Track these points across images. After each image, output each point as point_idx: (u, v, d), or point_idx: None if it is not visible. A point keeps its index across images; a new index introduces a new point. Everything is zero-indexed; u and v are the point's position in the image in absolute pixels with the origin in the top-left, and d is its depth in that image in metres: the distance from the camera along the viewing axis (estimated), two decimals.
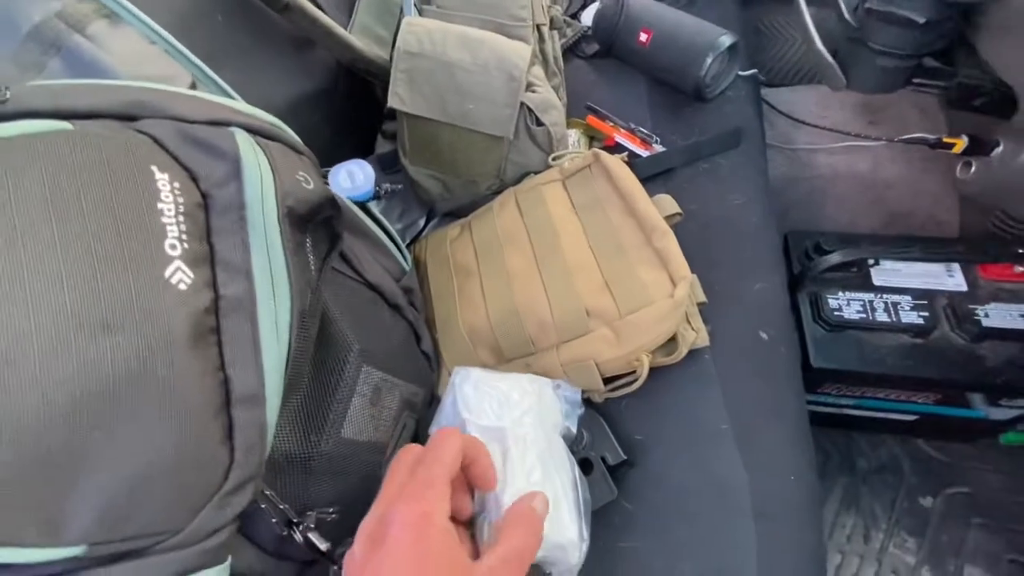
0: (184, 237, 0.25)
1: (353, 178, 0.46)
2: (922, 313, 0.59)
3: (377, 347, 0.37)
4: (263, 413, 0.26)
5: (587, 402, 0.44)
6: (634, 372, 0.41)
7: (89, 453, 0.21)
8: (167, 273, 0.24)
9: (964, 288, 0.61)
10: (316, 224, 0.32)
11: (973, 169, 0.71)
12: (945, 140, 0.68)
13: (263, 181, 0.28)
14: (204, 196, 0.27)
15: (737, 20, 0.71)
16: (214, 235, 0.26)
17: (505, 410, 0.37)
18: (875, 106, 0.88)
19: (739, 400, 0.42)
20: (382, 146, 0.63)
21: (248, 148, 0.28)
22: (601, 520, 0.38)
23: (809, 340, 0.60)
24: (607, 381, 0.42)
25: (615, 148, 0.58)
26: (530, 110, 0.51)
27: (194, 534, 0.24)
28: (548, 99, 0.52)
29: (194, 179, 0.26)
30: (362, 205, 0.43)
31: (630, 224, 0.46)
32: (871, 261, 0.63)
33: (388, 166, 0.60)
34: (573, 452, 0.40)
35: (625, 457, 0.40)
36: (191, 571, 0.24)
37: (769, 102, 0.88)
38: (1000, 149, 0.66)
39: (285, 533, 0.30)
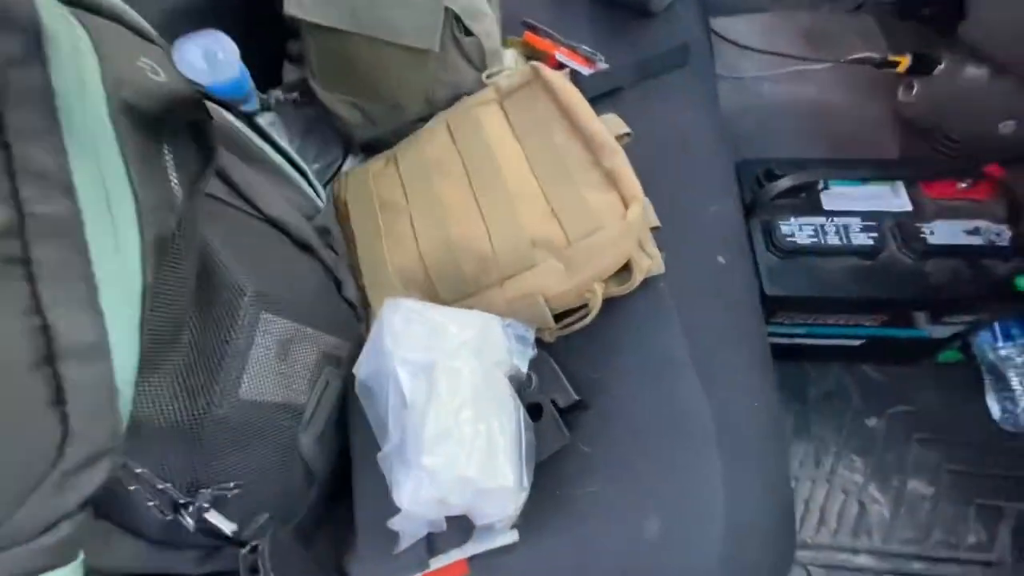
0: None
1: (210, 57, 0.33)
2: (871, 234, 0.58)
3: (280, 292, 0.31)
4: (108, 369, 0.20)
5: (536, 342, 0.40)
6: (586, 306, 0.37)
7: None
8: None
9: (909, 208, 0.60)
10: (177, 131, 0.25)
11: (915, 90, 0.71)
12: (891, 59, 0.67)
13: (80, 63, 0.21)
14: None
15: None
16: (10, 132, 0.19)
17: (437, 341, 0.32)
18: (818, 32, 0.86)
19: (698, 328, 0.39)
20: (290, 73, 0.54)
21: (59, 18, 0.21)
22: (557, 467, 0.34)
23: (762, 268, 0.58)
24: (558, 318, 0.38)
25: (557, 68, 0.52)
26: (457, 18, 0.44)
27: (21, 529, 0.18)
28: (476, 5, 0.45)
29: None
30: (258, 128, 0.36)
31: (576, 144, 0.41)
32: (820, 185, 0.61)
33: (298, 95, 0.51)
34: (521, 397, 0.36)
35: (577, 398, 0.36)
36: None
37: (716, 31, 0.84)
38: (942, 66, 0.66)
39: (171, 518, 0.25)
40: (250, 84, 0.41)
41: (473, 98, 0.46)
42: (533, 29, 0.55)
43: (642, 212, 0.37)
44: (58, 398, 0.19)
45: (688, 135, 0.50)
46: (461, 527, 0.32)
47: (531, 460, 0.31)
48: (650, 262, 0.38)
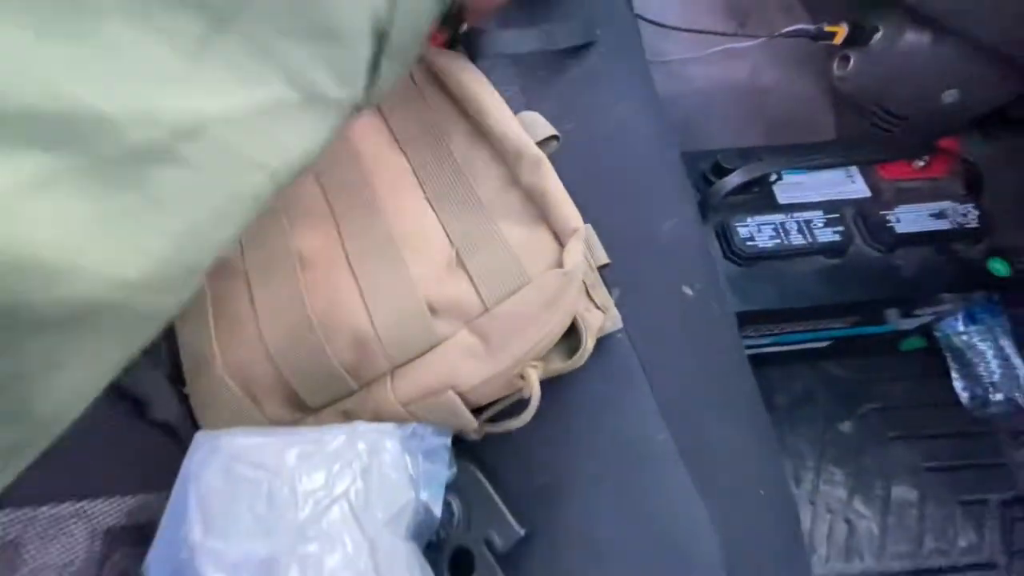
0: None
1: None
2: (836, 228, 0.51)
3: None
4: None
5: (457, 442, 0.28)
6: (519, 392, 0.26)
7: None
8: None
9: (868, 193, 0.54)
10: None
11: (851, 63, 0.65)
12: (827, 29, 0.60)
13: None
14: None
15: None
16: None
17: (283, 511, 0.19)
18: (743, 8, 0.80)
19: (676, 395, 0.28)
20: None
21: None
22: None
23: (722, 281, 0.49)
24: (477, 412, 0.26)
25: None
26: None
27: None
28: None
29: None
30: None
31: (482, 154, 0.29)
32: (773, 177, 0.53)
33: None
34: (440, 540, 0.24)
35: (522, 533, 0.24)
36: None
37: (636, 11, 0.76)
38: (879, 35, 0.60)
39: None
40: None
41: None
42: None
43: (583, 248, 0.26)
44: None
45: (625, 134, 0.39)
46: None
47: None
48: (603, 316, 0.27)
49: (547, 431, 0.27)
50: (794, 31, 0.61)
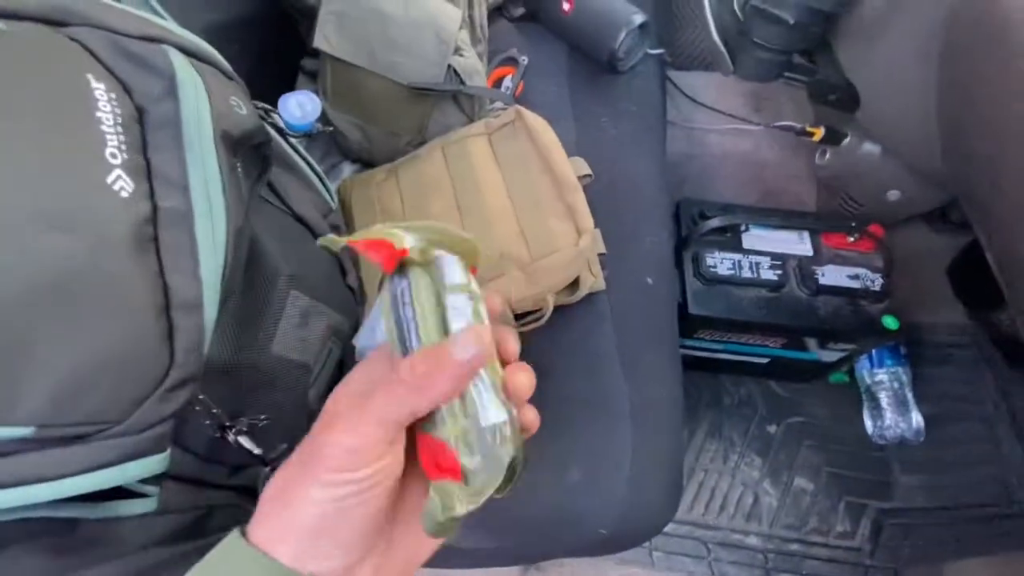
0: (123, 147, 0.26)
1: (303, 108, 0.48)
2: (777, 271, 0.71)
3: (305, 275, 0.40)
4: (201, 319, 0.28)
5: None
6: (540, 310, 0.47)
7: (39, 340, 0.22)
8: (109, 179, 0.25)
9: (810, 253, 0.74)
10: (247, 149, 0.34)
11: (828, 156, 0.85)
12: (808, 129, 0.81)
13: (199, 101, 0.29)
14: (139, 111, 0.27)
15: (652, 3, 0.78)
16: (150, 149, 0.27)
17: None
18: (761, 96, 1.01)
19: (625, 332, 0.50)
20: (303, 84, 0.62)
21: (184, 67, 0.29)
22: None
23: (689, 291, 0.70)
24: (517, 318, 0.48)
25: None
26: (457, 73, 0.54)
27: (136, 424, 0.27)
28: (474, 65, 0.55)
29: (128, 92, 0.27)
30: (290, 141, 0.44)
31: (546, 180, 0.51)
32: (743, 227, 0.74)
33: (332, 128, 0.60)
34: None
35: None
36: (133, 457, 0.27)
37: (676, 84, 0.97)
38: (848, 140, 0.80)
39: (218, 435, 0.33)
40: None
41: (466, 129, 0.56)
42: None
43: (592, 240, 0.48)
44: (169, 336, 0.27)
45: (637, 178, 0.61)
46: None
47: None
48: (594, 280, 0.49)
49: (547, 337, 0.49)
50: (783, 125, 0.81)
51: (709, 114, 0.95)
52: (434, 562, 0.30)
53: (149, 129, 0.28)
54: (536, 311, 0.48)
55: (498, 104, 0.59)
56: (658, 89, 0.72)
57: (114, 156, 0.25)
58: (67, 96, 0.24)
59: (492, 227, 0.49)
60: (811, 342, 0.75)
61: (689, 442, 0.84)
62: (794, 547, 0.78)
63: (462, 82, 0.54)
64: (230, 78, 0.34)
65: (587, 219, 0.48)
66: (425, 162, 0.54)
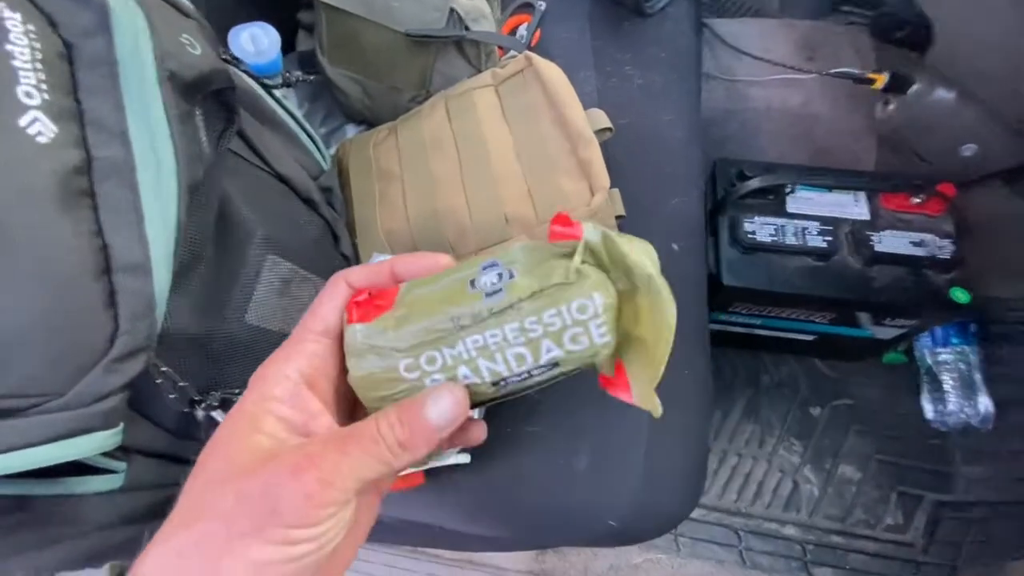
0: (43, 86, 0.23)
1: (256, 42, 0.42)
2: (827, 238, 0.63)
3: (286, 238, 0.37)
4: (149, 283, 0.25)
5: None
6: None
7: None
8: (22, 122, 0.22)
9: (867, 216, 0.66)
10: (207, 97, 0.30)
11: (891, 107, 0.75)
12: (869, 75, 0.71)
13: (137, 38, 0.26)
14: (67, 46, 0.24)
15: None
16: (81, 90, 0.24)
17: None
18: (814, 43, 0.89)
19: None
20: (304, 43, 0.58)
21: (122, 0, 0.26)
22: (510, 408, 0.40)
23: (723, 261, 0.63)
24: None
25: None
26: (460, 17, 0.48)
27: (79, 397, 0.24)
28: (480, 8, 0.49)
29: (53, 24, 0.24)
30: (274, 95, 0.41)
31: (558, 134, 0.46)
32: (788, 189, 0.66)
33: (308, 66, 0.56)
34: None
35: None
36: (78, 433, 0.24)
37: (716, 32, 0.88)
38: (916, 87, 0.70)
39: (187, 411, 0.31)
40: (281, 65, 0.47)
41: (471, 80, 0.51)
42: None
43: (606, 200, 0.43)
44: (111, 301, 0.24)
45: (665, 131, 0.54)
46: None
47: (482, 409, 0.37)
48: None
49: None
50: (839, 73, 0.71)
51: (752, 65, 0.85)
52: (442, 545, 0.27)
53: (79, 68, 0.24)
54: None
55: (512, 53, 0.54)
56: (691, 33, 0.64)
57: (29, 95, 0.22)
58: None
59: (497, 188, 0.44)
60: (864, 317, 0.67)
61: (722, 424, 0.78)
62: (836, 539, 0.72)
63: (466, 27, 0.49)
64: (184, 14, 0.30)
65: (602, 177, 0.43)
66: (427, 118, 0.50)
